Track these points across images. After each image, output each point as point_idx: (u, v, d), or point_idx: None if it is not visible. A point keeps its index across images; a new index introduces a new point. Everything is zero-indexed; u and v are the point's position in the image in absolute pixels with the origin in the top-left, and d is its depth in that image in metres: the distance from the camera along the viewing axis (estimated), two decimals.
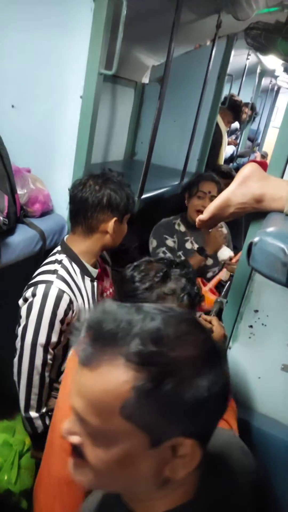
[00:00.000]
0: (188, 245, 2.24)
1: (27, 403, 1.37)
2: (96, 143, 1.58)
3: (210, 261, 2.23)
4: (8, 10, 1.54)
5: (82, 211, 1.35)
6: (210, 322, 1.32)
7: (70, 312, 1.31)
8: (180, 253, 2.21)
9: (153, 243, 2.23)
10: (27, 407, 1.38)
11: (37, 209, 1.55)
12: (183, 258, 2.18)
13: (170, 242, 2.22)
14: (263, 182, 1.09)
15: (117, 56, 1.48)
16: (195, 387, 0.53)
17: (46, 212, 1.61)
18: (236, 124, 4.18)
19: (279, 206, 1.05)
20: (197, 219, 1.22)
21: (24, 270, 1.42)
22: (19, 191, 1.48)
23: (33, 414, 1.38)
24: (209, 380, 0.54)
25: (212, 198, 2.12)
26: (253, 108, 4.44)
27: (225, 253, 2.04)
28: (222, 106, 3.30)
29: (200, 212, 2.13)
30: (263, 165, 1.22)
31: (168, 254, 2.17)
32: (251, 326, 1.42)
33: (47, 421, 1.43)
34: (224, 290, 1.81)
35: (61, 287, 1.30)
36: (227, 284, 1.83)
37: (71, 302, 1.31)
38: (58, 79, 1.56)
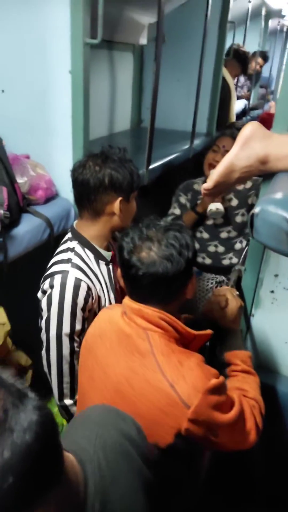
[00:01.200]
0: (212, 207, 2.16)
1: (61, 392, 1.38)
2: (98, 116, 1.52)
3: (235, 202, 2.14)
4: None
5: (85, 194, 1.30)
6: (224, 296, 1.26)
7: (90, 299, 1.29)
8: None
9: (173, 200, 2.23)
10: (61, 396, 1.38)
11: (41, 196, 1.51)
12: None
13: (182, 199, 2.19)
14: (266, 142, 1.01)
15: (100, 22, 1.39)
16: None
17: (51, 197, 1.57)
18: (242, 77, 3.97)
19: (286, 165, 0.98)
20: (202, 188, 1.16)
21: (36, 260, 1.40)
22: (19, 180, 1.44)
23: (67, 401, 1.39)
24: None
25: (226, 152, 2.03)
26: (264, 57, 4.18)
27: (212, 207, 1.98)
28: (226, 57, 3.11)
29: (212, 166, 2.06)
30: None
31: (177, 209, 2.17)
32: (272, 292, 1.38)
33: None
34: (242, 257, 1.75)
35: (77, 275, 1.27)
36: (245, 251, 1.77)
37: (89, 289, 1.28)
38: (44, 57, 1.48)
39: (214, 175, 1.08)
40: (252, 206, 2.09)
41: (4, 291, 1.30)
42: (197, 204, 2.11)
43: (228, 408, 0.93)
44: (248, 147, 1.03)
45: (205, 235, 2.18)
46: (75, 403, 1.40)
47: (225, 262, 2.17)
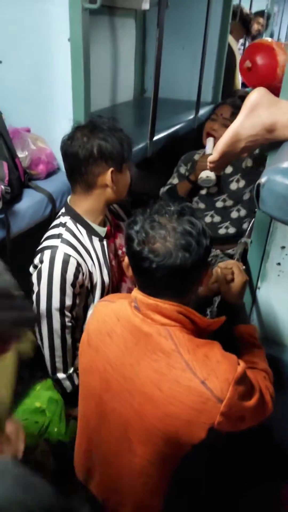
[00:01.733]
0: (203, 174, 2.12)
1: (53, 366, 1.41)
2: (100, 86, 1.46)
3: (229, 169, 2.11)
4: None
5: (76, 167, 1.26)
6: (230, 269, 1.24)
7: (80, 275, 1.29)
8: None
9: (174, 170, 2.22)
10: (54, 370, 1.42)
11: (42, 170, 1.48)
12: None
13: (182, 169, 2.18)
14: (273, 109, 0.97)
15: None
16: None
17: (52, 172, 1.55)
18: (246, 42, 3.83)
19: None
20: (208, 161, 1.13)
21: (37, 236, 1.39)
22: (20, 154, 1.41)
23: (60, 375, 1.43)
24: None
25: (224, 121, 1.98)
26: (268, 17, 4.01)
27: (203, 174, 1.96)
28: (233, 21, 2.98)
29: (210, 134, 2.05)
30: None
31: (175, 180, 2.17)
32: (279, 264, 1.36)
33: (76, 381, 1.47)
34: (248, 229, 1.72)
35: (67, 251, 1.27)
36: (251, 224, 1.74)
37: (79, 265, 1.28)
38: (42, 25, 1.43)
39: (219, 146, 1.05)
40: (246, 169, 2.06)
41: (7, 267, 1.29)
42: (191, 173, 2.08)
43: (251, 392, 0.93)
44: (254, 115, 0.99)
45: (202, 205, 2.16)
46: (68, 377, 1.44)
47: (221, 231, 2.14)
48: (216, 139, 2.02)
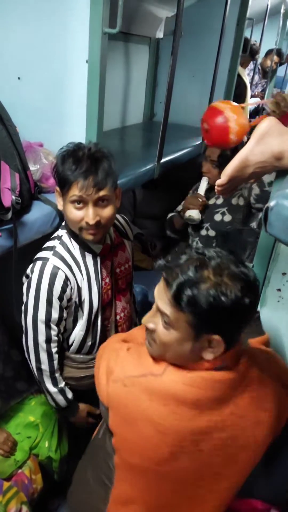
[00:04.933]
0: (211, 201, 2.15)
1: (41, 378, 1.41)
2: (112, 108, 1.50)
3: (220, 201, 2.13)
4: None
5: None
6: None
7: (68, 289, 1.30)
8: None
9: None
10: (42, 382, 1.42)
11: (52, 184, 1.51)
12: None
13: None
14: (282, 138, 1.01)
15: (120, 12, 1.38)
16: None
17: None
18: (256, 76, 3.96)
19: None
20: (216, 185, 1.15)
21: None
22: (32, 167, 1.44)
23: (51, 388, 1.42)
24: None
25: (212, 162, 2.04)
26: (280, 54, 4.14)
27: (188, 213, 2.06)
28: (243, 54, 3.09)
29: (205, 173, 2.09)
30: None
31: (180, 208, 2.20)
32: (279, 290, 1.37)
33: (69, 395, 1.47)
34: (250, 254, 1.75)
35: (56, 263, 1.28)
36: (251, 250, 1.76)
37: (67, 278, 1.29)
38: (61, 45, 1.47)
39: (228, 170, 1.08)
40: (235, 206, 2.05)
41: (11, 276, 1.31)
42: (183, 209, 2.12)
43: None
44: (263, 142, 1.02)
45: (190, 230, 2.22)
46: (60, 391, 1.43)
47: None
48: (210, 180, 2.08)
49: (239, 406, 0.95)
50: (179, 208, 2.21)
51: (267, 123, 1.02)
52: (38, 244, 1.39)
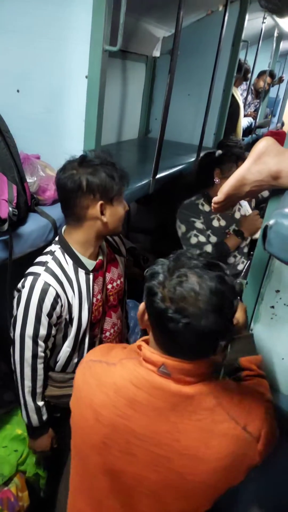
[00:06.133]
0: (215, 223, 2.17)
1: (23, 393, 1.38)
2: (108, 123, 1.53)
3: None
4: None
5: (66, 199, 1.29)
6: None
7: (58, 306, 1.29)
8: (209, 232, 2.15)
9: (181, 228, 2.16)
10: (22, 396, 1.39)
11: (48, 197, 1.51)
12: (214, 238, 2.13)
13: (198, 224, 2.15)
14: (279, 158, 1.02)
15: (121, 30, 1.41)
16: None
17: (57, 199, 1.57)
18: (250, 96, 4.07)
19: None
20: (212, 202, 1.17)
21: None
22: (29, 179, 1.45)
23: (29, 403, 1.40)
24: None
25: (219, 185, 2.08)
26: (272, 75, 4.25)
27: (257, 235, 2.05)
28: (237, 75, 3.16)
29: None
30: (281, 136, 1.14)
31: (201, 236, 2.11)
32: (272, 307, 1.38)
33: (44, 416, 1.44)
34: (244, 270, 1.76)
35: (48, 280, 1.27)
36: (247, 265, 1.78)
37: (58, 295, 1.28)
38: (61, 60, 1.50)
39: (225, 188, 1.09)
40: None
41: (4, 288, 1.30)
42: (241, 231, 2.12)
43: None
44: (261, 162, 1.04)
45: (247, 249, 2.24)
46: (36, 409, 1.41)
47: None
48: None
49: (178, 428, 0.88)
50: (202, 239, 2.13)
51: (264, 143, 1.04)
52: (31, 258, 1.38)
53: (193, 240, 2.09)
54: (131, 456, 0.91)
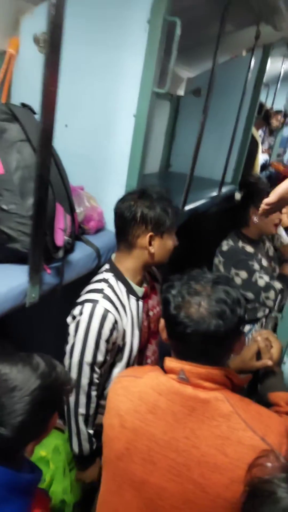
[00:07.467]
0: (264, 262, 2.20)
1: (76, 421, 1.38)
2: None
3: None
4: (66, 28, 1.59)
5: (121, 226, 1.38)
6: (267, 339, 1.29)
7: (115, 332, 1.32)
8: (262, 271, 2.11)
9: (241, 274, 2.06)
10: (77, 425, 1.39)
11: (92, 227, 1.57)
12: (267, 277, 2.07)
13: (256, 266, 2.11)
14: None
15: (170, 75, 1.51)
16: None
17: (100, 229, 1.64)
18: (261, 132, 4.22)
19: None
20: (263, 203, 1.20)
21: (81, 287, 1.44)
22: (76, 209, 1.51)
23: (83, 430, 1.39)
24: None
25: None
26: (286, 115, 4.41)
27: None
28: (258, 115, 3.29)
29: (277, 225, 2.11)
30: None
31: (265, 276, 2.04)
32: None
33: (94, 445, 1.43)
34: (278, 304, 1.80)
35: (107, 306, 1.31)
36: (279, 299, 1.81)
37: (116, 322, 1.32)
38: (111, 98, 1.59)
39: (279, 190, 1.14)
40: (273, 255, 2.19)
41: (54, 312, 1.33)
42: None
43: None
44: None
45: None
46: (88, 437, 1.40)
47: (259, 314, 2.13)
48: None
49: (196, 434, 0.91)
50: (266, 277, 2.06)
51: None
52: (75, 285, 1.42)
53: (261, 282, 2.01)
54: (152, 464, 0.94)
